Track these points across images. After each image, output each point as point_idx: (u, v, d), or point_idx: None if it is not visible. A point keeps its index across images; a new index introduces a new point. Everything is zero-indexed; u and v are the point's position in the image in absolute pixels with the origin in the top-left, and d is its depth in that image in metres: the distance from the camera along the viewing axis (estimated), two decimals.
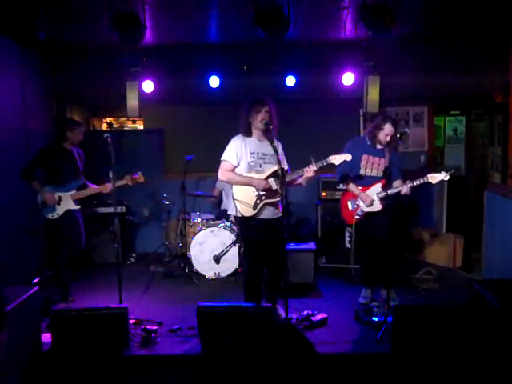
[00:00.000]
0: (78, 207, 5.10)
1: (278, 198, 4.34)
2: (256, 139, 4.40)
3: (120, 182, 4.99)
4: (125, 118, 8.41)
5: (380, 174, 4.84)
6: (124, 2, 4.33)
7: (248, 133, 4.38)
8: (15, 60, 5.57)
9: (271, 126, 4.25)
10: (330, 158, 4.32)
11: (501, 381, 3.35)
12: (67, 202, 5.05)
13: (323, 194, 6.35)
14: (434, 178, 4.65)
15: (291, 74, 6.47)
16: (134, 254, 7.01)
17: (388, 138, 4.76)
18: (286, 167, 4.44)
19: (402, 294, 5.10)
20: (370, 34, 4.65)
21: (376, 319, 4.42)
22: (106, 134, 4.52)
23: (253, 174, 4.34)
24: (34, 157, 5.02)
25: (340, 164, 4.73)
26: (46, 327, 4.09)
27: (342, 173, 4.93)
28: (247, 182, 4.32)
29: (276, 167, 4.25)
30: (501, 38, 5.96)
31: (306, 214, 6.82)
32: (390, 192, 4.76)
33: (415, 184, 4.69)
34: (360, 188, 4.89)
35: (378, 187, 4.83)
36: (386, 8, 4.30)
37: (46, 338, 4.02)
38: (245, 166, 4.35)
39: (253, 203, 4.32)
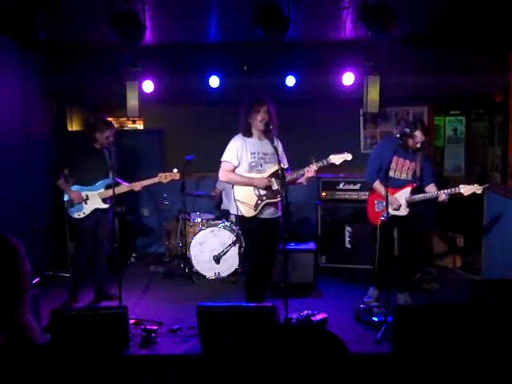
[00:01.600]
0: (106, 206, 5.02)
1: (279, 198, 4.34)
2: (256, 139, 4.40)
3: (152, 180, 4.94)
4: (125, 118, 8.40)
5: (409, 177, 4.77)
6: (124, 2, 4.33)
7: (248, 133, 4.38)
8: (15, 60, 5.57)
9: (271, 126, 4.25)
10: (331, 157, 4.32)
11: (501, 380, 3.35)
12: (95, 201, 4.98)
13: (323, 193, 6.34)
14: (467, 189, 4.57)
15: (291, 74, 6.47)
16: (134, 254, 7.01)
17: (418, 145, 4.70)
18: (286, 166, 4.44)
19: (395, 292, 5.09)
20: (369, 34, 4.65)
21: (376, 319, 4.42)
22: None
23: (254, 174, 4.34)
24: (63, 157, 4.99)
25: (370, 165, 4.77)
26: (46, 327, 4.09)
27: (371, 173, 4.86)
28: (248, 182, 4.32)
29: (277, 166, 4.26)
30: (501, 38, 5.96)
31: (306, 214, 6.82)
32: (421, 197, 4.68)
33: (446, 192, 4.61)
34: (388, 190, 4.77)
35: (406, 191, 4.74)
36: (385, 8, 4.29)
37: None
38: (246, 166, 4.35)
39: (254, 203, 4.32)
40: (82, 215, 4.97)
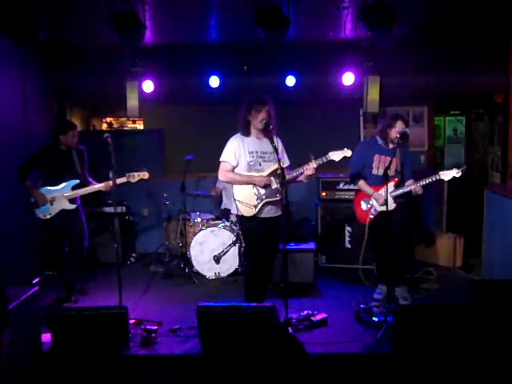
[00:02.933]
0: (74, 206, 5.07)
1: (279, 197, 4.33)
2: (254, 138, 4.39)
3: (121, 180, 4.97)
4: (125, 118, 8.42)
5: (392, 172, 4.82)
6: (124, 2, 4.33)
7: (247, 131, 4.37)
8: (15, 60, 5.56)
9: (271, 126, 4.24)
10: (330, 154, 4.33)
11: (501, 380, 3.35)
12: (61, 202, 5.03)
13: (323, 193, 6.35)
14: (446, 174, 4.67)
15: (291, 74, 6.47)
16: (134, 254, 7.01)
17: (398, 135, 4.76)
18: (286, 164, 4.42)
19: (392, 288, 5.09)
20: (369, 34, 4.65)
21: (376, 319, 4.42)
22: (106, 134, 4.52)
23: (252, 174, 4.33)
24: (29, 158, 5.04)
25: (352, 164, 4.81)
26: (46, 327, 4.09)
27: (353, 173, 4.97)
28: (248, 181, 4.32)
29: (276, 165, 4.26)
30: (501, 38, 5.96)
31: (306, 214, 6.82)
32: (402, 191, 4.80)
33: (427, 182, 4.72)
34: (373, 187, 4.91)
35: (390, 186, 4.80)
36: (386, 8, 4.29)
37: (46, 338, 4.02)
38: (244, 165, 4.34)
39: (253, 203, 4.31)
40: (48, 216, 5.02)
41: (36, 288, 3.96)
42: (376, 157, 4.90)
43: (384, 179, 4.75)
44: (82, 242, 5.15)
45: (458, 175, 4.69)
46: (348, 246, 6.21)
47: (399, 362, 3.75)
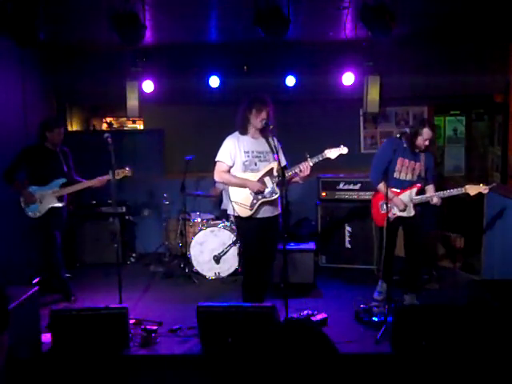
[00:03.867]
0: (61, 204, 5.10)
1: (275, 196, 4.31)
2: (250, 137, 4.36)
3: (106, 177, 5.00)
4: (125, 118, 8.41)
5: (415, 178, 4.76)
6: (124, 2, 4.33)
7: (244, 130, 4.35)
8: (15, 60, 5.56)
9: (271, 126, 4.23)
10: (326, 152, 4.28)
11: (501, 380, 3.35)
12: (49, 200, 5.05)
13: (323, 193, 6.34)
14: (473, 189, 4.55)
15: (291, 74, 6.47)
16: (134, 254, 7.01)
17: (427, 143, 4.68)
18: (283, 164, 4.39)
19: (402, 293, 5.09)
20: (369, 34, 4.64)
21: (376, 319, 4.43)
22: (106, 134, 4.52)
23: (248, 174, 4.30)
24: (15, 158, 5.04)
25: (376, 164, 4.74)
26: (46, 327, 4.09)
27: (376, 174, 4.82)
28: (242, 184, 4.28)
29: (272, 165, 4.24)
30: (501, 38, 5.96)
31: (306, 214, 6.82)
32: (423, 198, 4.68)
33: (447, 194, 4.61)
34: (393, 192, 4.75)
35: (412, 192, 4.73)
36: (385, 8, 4.29)
37: (46, 337, 4.02)
38: (240, 165, 4.32)
39: (249, 203, 4.28)
40: (38, 214, 5.03)
41: (36, 288, 3.96)
42: (400, 160, 4.73)
43: (408, 184, 4.70)
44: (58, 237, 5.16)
45: (484, 192, 4.55)
46: (348, 245, 6.20)
47: (399, 362, 3.75)
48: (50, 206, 5.06)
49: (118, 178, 5.01)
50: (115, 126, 8.82)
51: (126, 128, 8.74)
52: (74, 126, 7.69)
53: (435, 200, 4.62)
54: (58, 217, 5.13)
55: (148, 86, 6.42)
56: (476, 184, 4.61)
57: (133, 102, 6.29)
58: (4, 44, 4.83)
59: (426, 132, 4.63)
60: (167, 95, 6.66)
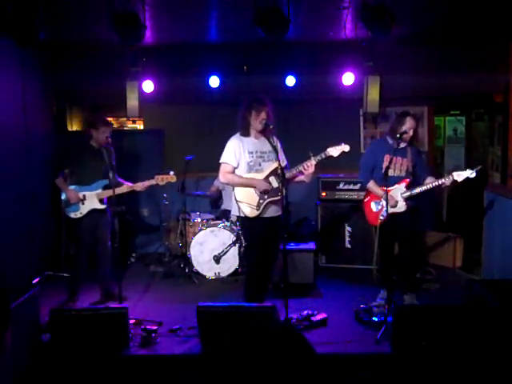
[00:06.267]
0: (103, 206, 5.03)
1: (280, 196, 4.32)
2: (253, 138, 4.39)
3: (149, 182, 4.98)
4: (125, 118, 8.40)
5: (403, 173, 4.79)
6: (124, 2, 4.33)
7: (246, 132, 4.37)
8: (15, 60, 5.56)
9: (271, 126, 4.25)
10: (328, 150, 4.33)
11: (501, 381, 3.35)
12: (92, 202, 4.98)
13: (323, 193, 6.34)
14: (460, 175, 4.58)
15: (291, 74, 6.46)
16: (134, 254, 7.01)
17: (411, 133, 4.71)
18: (284, 163, 4.42)
19: (401, 293, 5.09)
20: (369, 34, 4.65)
21: (376, 319, 4.43)
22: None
23: (253, 174, 4.33)
24: (63, 155, 5.01)
25: (363, 165, 4.80)
26: (46, 327, 4.09)
27: (364, 174, 4.90)
28: (248, 184, 4.31)
29: (275, 164, 4.25)
30: (501, 38, 5.96)
31: (306, 214, 6.82)
32: (417, 190, 4.70)
33: (439, 183, 4.64)
34: (382, 189, 4.78)
35: (402, 187, 4.76)
36: (385, 8, 4.29)
37: (46, 337, 4.02)
38: (244, 166, 4.34)
39: (256, 203, 4.31)
40: (79, 215, 4.98)
41: (36, 288, 3.96)
42: (386, 157, 4.77)
43: (396, 180, 4.71)
44: (108, 242, 5.12)
45: (472, 176, 4.57)
46: (348, 245, 6.20)
47: (399, 362, 3.75)
48: (93, 207, 4.99)
49: (161, 183, 5.00)
50: (115, 125, 8.81)
51: (125, 128, 8.73)
52: (73, 126, 7.68)
53: (443, 181, 4.58)
54: (101, 219, 5.05)
55: (148, 85, 6.41)
56: (463, 170, 4.63)
57: (133, 101, 6.27)
58: (4, 44, 4.83)
59: (409, 121, 4.70)
60: (167, 95, 6.66)
